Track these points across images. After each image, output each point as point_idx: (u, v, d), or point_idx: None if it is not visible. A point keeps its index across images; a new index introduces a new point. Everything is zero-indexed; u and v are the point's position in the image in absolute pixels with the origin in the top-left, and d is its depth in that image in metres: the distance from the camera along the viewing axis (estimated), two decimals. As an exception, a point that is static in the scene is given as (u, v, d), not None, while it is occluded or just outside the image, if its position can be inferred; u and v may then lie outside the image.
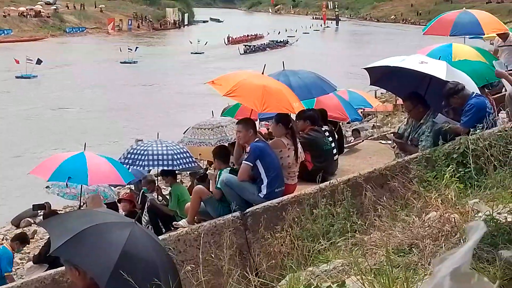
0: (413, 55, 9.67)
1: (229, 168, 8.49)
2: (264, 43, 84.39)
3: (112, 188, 12.68)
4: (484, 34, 13.70)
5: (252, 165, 8.05)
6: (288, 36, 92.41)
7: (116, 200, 12.59)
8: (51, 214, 10.57)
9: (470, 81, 8.57)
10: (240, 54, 73.46)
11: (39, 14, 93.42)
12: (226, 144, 11.07)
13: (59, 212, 16.45)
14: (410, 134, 8.35)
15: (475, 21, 13.45)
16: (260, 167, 8.06)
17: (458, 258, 1.37)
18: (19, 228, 17.46)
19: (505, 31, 13.79)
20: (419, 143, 8.06)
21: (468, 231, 1.45)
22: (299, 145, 8.76)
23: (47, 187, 12.13)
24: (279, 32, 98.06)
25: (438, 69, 8.25)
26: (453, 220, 4.69)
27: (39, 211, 17.52)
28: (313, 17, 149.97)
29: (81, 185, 11.04)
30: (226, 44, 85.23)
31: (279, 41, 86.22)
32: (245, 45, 78.94)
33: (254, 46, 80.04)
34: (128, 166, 10.70)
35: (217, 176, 8.47)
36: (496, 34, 14.22)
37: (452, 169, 6.03)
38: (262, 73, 9.40)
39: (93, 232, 5.11)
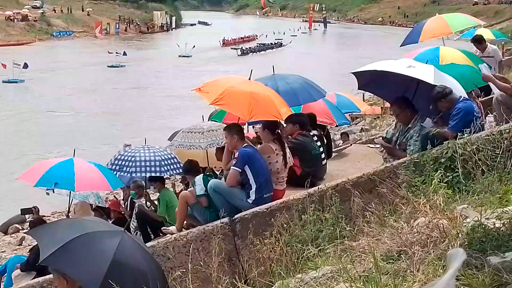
0: (400, 59, 9.69)
1: (201, 175, 8.48)
2: (260, 45, 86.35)
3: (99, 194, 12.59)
4: (417, 42, 13.96)
5: (240, 170, 8.03)
6: (276, 39, 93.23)
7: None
8: (38, 222, 10.52)
9: (457, 85, 8.58)
10: (238, 55, 75.53)
11: (26, 18, 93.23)
12: (215, 148, 11.03)
13: (47, 217, 16.46)
14: (398, 139, 8.35)
15: (419, 30, 14.27)
16: (249, 172, 8.05)
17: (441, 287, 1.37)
18: (7, 234, 17.37)
19: (442, 35, 13.94)
20: (407, 148, 8.05)
21: (448, 258, 1.44)
22: (287, 150, 8.75)
23: (47, 194, 12.05)
24: (267, 36, 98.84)
25: (426, 73, 8.24)
26: (441, 226, 4.69)
27: (27, 216, 17.47)
28: (302, 20, 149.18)
29: (70, 191, 10.97)
30: (222, 46, 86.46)
31: (274, 43, 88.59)
32: (242, 47, 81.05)
33: (251, 48, 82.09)
34: (115, 172, 10.65)
35: (193, 184, 8.46)
36: (474, 44, 14.38)
37: (440, 174, 6.04)
38: (249, 79, 9.35)
39: (82, 241, 5.09)
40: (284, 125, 10.13)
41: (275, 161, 8.43)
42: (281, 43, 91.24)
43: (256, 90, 8.68)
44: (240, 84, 8.95)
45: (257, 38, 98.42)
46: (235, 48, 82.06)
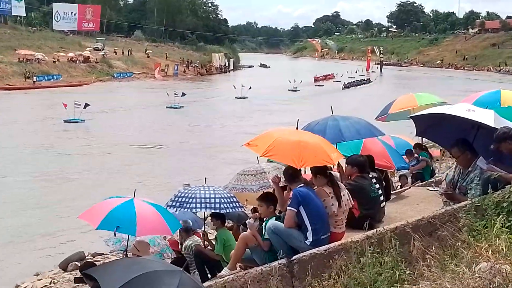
0: (459, 103, 9.61)
1: (273, 217, 8.43)
2: (358, 81, 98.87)
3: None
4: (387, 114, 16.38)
5: (295, 210, 7.96)
6: (368, 75, 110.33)
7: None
8: (89, 265, 10.75)
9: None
10: (342, 89, 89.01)
11: (88, 59, 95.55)
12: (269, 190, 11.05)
13: (105, 255, 16.66)
14: (458, 182, 8.25)
15: (391, 104, 16.65)
16: (304, 213, 7.96)
17: None
18: (66, 271, 17.58)
19: (408, 108, 15.50)
20: (468, 192, 7.94)
21: None
22: (346, 192, 8.70)
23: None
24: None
25: (486, 117, 8.11)
26: (504, 271, 4.62)
27: (86, 254, 17.75)
28: (376, 63, 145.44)
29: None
30: (314, 82, 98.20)
31: (364, 79, 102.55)
32: (346, 82, 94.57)
33: (350, 83, 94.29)
34: (175, 209, 10.72)
35: (263, 227, 8.41)
36: None
37: (502, 219, 5.94)
38: (297, 128, 9.44)
39: (143, 281, 5.14)
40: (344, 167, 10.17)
41: (330, 204, 8.33)
42: (369, 79, 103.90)
43: (304, 139, 8.72)
44: (288, 134, 9.02)
45: (334, 77, 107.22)
46: (293, 90, 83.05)
